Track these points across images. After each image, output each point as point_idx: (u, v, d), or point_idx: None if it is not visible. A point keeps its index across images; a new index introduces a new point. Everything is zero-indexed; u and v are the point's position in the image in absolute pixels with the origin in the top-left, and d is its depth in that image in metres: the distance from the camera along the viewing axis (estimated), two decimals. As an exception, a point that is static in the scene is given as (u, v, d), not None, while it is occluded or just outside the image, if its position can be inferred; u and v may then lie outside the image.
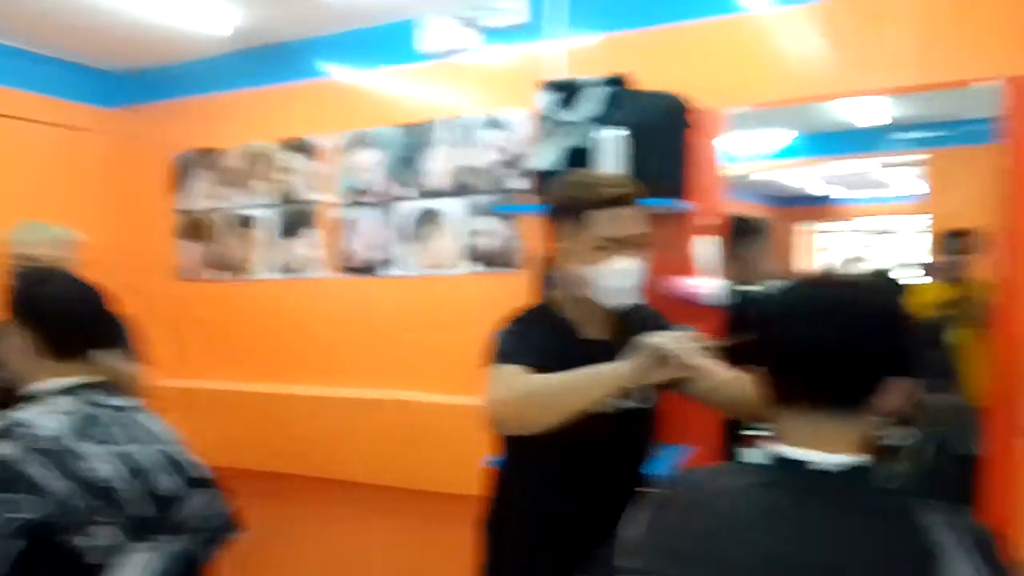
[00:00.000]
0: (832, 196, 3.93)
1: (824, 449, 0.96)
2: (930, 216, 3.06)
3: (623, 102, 2.18)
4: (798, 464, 0.96)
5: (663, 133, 2.16)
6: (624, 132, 2.09)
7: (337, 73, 3.05)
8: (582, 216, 1.40)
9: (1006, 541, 1.00)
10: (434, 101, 2.86)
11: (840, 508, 0.92)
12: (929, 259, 2.88)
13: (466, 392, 2.75)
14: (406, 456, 2.81)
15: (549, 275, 1.57)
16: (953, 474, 2.32)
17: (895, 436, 2.60)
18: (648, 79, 2.28)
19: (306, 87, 3.11)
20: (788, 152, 2.86)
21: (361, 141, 3.00)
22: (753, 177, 3.52)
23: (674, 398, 1.56)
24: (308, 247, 3.13)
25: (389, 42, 2.92)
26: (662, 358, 1.22)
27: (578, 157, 2.15)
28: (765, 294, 1.09)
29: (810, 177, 3.81)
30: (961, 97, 2.13)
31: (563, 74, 2.32)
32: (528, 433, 1.32)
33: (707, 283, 2.25)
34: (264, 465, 3.07)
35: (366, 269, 3.02)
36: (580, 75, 2.27)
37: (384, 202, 2.97)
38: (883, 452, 2.54)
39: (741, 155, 2.68)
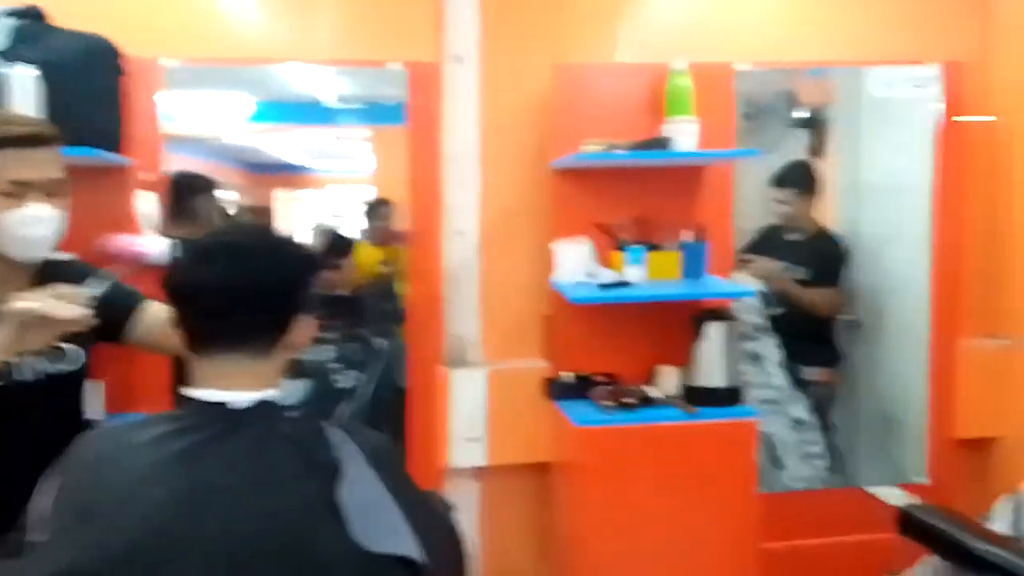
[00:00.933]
0: (306, 165, 4.09)
1: (240, 388, 0.99)
2: (375, 187, 3.42)
3: (37, 38, 1.94)
4: (215, 406, 0.99)
5: (88, 77, 1.99)
6: (38, 71, 1.86)
7: None
8: None
9: (399, 452, 1.15)
10: None
11: (255, 440, 0.97)
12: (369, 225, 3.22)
13: None
14: None
15: None
16: (392, 406, 2.67)
17: (345, 379, 2.88)
18: (66, 17, 2.07)
19: None
20: (257, 119, 2.88)
21: None
22: (230, 142, 3.47)
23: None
24: None
25: None
26: (37, 320, 1.13)
27: (-20, 94, 1.85)
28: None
29: (284, 145, 3.90)
30: (385, 80, 2.41)
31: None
32: None
33: (151, 241, 2.16)
34: None
35: None
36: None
37: None
38: (335, 394, 2.77)
39: (209, 117, 2.60)
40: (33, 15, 1.99)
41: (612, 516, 2.14)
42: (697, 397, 2.21)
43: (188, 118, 2.35)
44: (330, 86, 2.60)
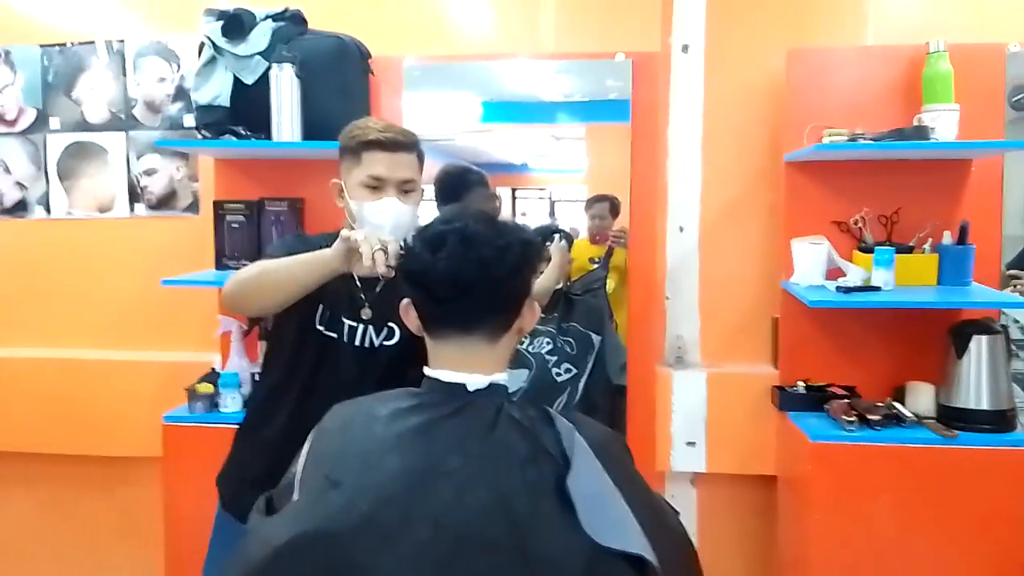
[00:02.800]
0: (525, 164, 4.17)
1: (473, 370, 1.01)
2: (588, 186, 3.38)
3: (294, 40, 2.10)
4: (452, 386, 1.01)
5: (338, 76, 2.12)
6: (296, 70, 2.02)
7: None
8: (358, 155, 1.51)
9: (628, 448, 1.10)
10: (88, 21, 2.53)
11: (486, 421, 0.97)
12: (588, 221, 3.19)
13: (137, 347, 2.54)
14: (66, 419, 2.53)
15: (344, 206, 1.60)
16: (605, 403, 2.62)
17: (562, 371, 2.87)
18: (320, 19, 2.22)
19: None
20: (482, 119, 2.95)
21: (-5, 60, 2.57)
22: (458, 143, 3.59)
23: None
24: (-74, 183, 2.63)
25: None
26: (353, 249, 1.29)
27: (246, 93, 2.04)
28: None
29: (506, 146, 4.00)
30: (606, 73, 2.36)
31: (230, 2, 2.17)
32: (249, 313, 1.64)
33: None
34: None
35: (6, 210, 2.62)
36: (248, 6, 2.14)
37: (28, 132, 2.58)
38: (553, 386, 2.75)
39: (440, 119, 2.69)
40: (290, 18, 2.15)
41: (848, 542, 1.94)
42: (955, 419, 1.95)
43: (423, 120, 2.44)
44: (552, 83, 2.59)
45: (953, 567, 1.91)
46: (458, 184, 2.45)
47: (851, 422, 1.98)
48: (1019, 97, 2.19)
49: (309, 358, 1.53)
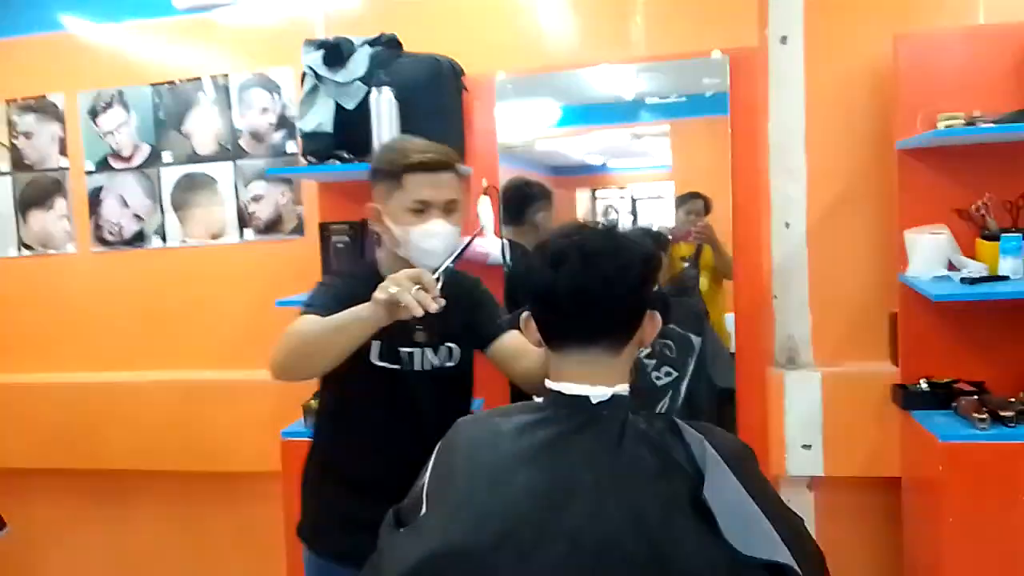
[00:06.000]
0: (607, 165, 4.15)
1: (595, 383, 1.01)
2: (674, 183, 3.31)
3: (391, 64, 2.14)
4: (573, 399, 1.01)
5: (434, 96, 2.15)
6: (394, 93, 2.06)
7: (76, 27, 2.73)
8: (399, 178, 1.44)
9: (757, 458, 1.09)
10: (194, 59, 2.66)
11: (613, 435, 0.97)
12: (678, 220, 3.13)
13: (252, 366, 2.64)
14: (189, 438, 2.66)
15: (375, 234, 1.57)
16: (709, 406, 2.57)
17: (662, 375, 2.83)
18: (414, 43, 2.26)
19: (41, 41, 2.76)
20: (561, 124, 2.95)
21: (113, 101, 2.72)
22: (538, 147, 3.60)
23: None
24: (54, 220, 2.81)
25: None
26: (390, 299, 1.24)
27: (348, 118, 2.09)
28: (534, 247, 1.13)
29: (585, 148, 3.99)
30: (699, 71, 2.31)
31: (328, 33, 2.24)
32: (295, 380, 1.36)
33: (490, 242, 2.30)
34: (18, 462, 2.81)
35: (126, 242, 2.77)
36: (345, 34, 2.20)
37: (143, 167, 2.73)
38: (654, 390, 2.72)
39: (521, 126, 2.72)
40: (386, 42, 2.20)
41: (983, 547, 1.85)
42: (1100, 414, 1.84)
43: (508, 127, 2.46)
44: (643, 83, 2.56)
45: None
46: (518, 198, 2.44)
47: (983, 420, 1.88)
48: None
49: (377, 392, 1.50)
